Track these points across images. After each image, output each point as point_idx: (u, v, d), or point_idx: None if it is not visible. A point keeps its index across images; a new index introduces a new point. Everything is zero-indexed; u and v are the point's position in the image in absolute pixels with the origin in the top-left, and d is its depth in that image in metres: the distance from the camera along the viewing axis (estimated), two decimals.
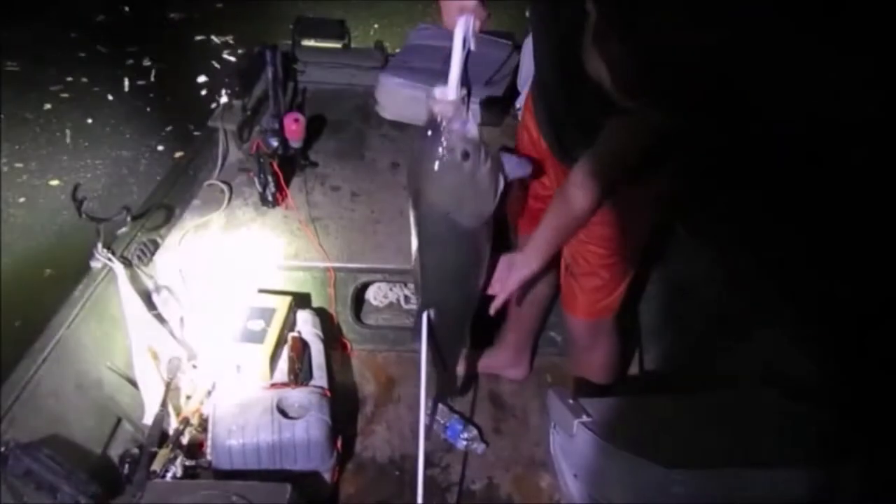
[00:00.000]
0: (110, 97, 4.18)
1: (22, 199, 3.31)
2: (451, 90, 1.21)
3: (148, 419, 1.68)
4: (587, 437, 1.39)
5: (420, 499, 1.44)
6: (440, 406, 1.91)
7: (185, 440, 1.60)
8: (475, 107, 2.18)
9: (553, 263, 1.71)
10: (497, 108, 2.52)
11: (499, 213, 1.34)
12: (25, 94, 4.05)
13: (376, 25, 5.10)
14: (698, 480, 1.26)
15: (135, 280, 1.79)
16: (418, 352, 1.52)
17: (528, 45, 2.44)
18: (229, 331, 1.75)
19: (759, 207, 1.95)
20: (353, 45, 3.04)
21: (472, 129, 1.21)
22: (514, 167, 1.34)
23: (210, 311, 1.85)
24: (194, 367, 1.81)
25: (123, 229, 1.84)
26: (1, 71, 4.15)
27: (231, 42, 4.74)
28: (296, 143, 2.16)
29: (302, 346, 1.84)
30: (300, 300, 1.99)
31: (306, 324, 1.92)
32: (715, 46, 0.84)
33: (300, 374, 1.78)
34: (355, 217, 2.14)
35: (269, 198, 2.09)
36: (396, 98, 2.54)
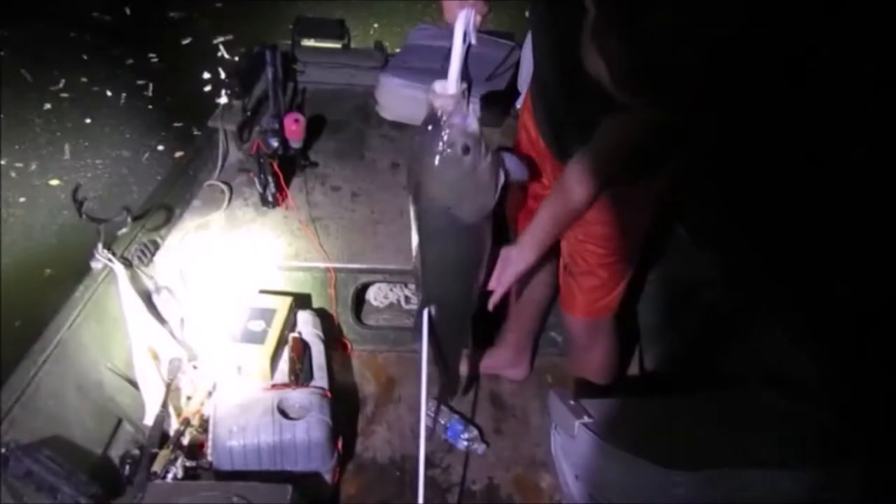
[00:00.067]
0: (110, 97, 4.17)
1: (22, 199, 3.31)
2: (451, 84, 1.20)
3: (148, 420, 1.68)
4: (588, 438, 1.39)
5: (421, 499, 1.44)
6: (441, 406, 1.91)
7: (185, 441, 1.60)
8: (475, 102, 2.17)
9: (552, 263, 1.71)
10: (497, 108, 2.52)
11: (499, 208, 1.33)
12: (25, 94, 4.05)
13: (376, 25, 5.09)
14: (699, 481, 1.26)
15: (135, 281, 1.79)
16: (419, 351, 1.52)
17: (528, 45, 2.44)
18: (230, 331, 1.75)
19: (759, 208, 1.95)
20: (352, 45, 3.04)
21: (473, 124, 1.21)
22: (515, 167, 1.34)
23: (210, 311, 1.85)
24: (195, 367, 1.81)
25: (124, 230, 1.84)
26: (1, 71, 4.14)
27: (231, 42, 4.73)
28: (296, 143, 2.15)
29: (302, 347, 1.84)
30: (301, 301, 1.99)
31: (307, 324, 1.92)
32: (714, 44, 0.84)
33: (301, 374, 1.77)
34: (355, 217, 2.14)
35: (270, 198, 2.09)
36: (396, 98, 2.54)
